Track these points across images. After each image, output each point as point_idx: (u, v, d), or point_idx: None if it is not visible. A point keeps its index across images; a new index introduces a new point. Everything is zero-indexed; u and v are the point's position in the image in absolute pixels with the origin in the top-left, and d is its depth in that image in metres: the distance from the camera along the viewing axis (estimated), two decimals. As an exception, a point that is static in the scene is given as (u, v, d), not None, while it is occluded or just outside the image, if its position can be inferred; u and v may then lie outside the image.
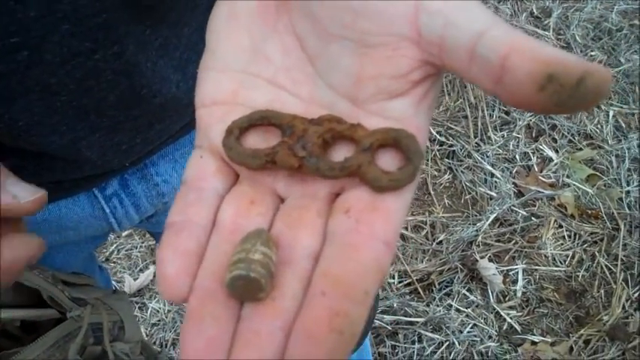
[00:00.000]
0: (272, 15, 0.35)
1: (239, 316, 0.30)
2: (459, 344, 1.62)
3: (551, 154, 1.94)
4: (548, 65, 0.26)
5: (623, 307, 1.64)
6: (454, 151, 1.97)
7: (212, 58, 0.36)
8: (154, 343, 1.70)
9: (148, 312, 1.72)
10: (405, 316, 1.65)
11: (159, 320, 1.77)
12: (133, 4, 0.45)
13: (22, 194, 0.35)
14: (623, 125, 1.98)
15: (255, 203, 0.33)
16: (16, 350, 0.60)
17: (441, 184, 1.92)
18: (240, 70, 0.35)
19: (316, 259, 0.30)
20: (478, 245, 1.77)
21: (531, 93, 0.26)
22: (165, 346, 1.72)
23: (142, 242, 1.91)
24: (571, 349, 1.61)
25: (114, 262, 1.86)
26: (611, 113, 2.01)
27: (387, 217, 0.30)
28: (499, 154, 1.96)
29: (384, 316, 1.63)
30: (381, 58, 0.31)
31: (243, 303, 0.30)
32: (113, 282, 1.52)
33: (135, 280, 1.82)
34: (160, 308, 1.79)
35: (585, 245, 1.77)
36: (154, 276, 1.85)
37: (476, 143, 1.98)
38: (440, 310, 1.67)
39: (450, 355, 1.61)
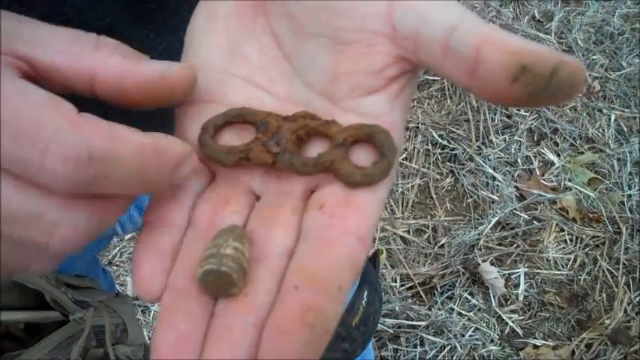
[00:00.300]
0: (249, 16, 0.35)
1: (212, 312, 0.30)
2: (461, 348, 1.62)
3: (552, 157, 1.94)
4: (521, 56, 0.26)
5: (625, 311, 1.64)
6: (456, 154, 1.97)
7: (191, 59, 0.36)
8: (157, 346, 1.70)
9: (151, 315, 1.73)
10: (407, 320, 1.65)
11: (161, 323, 1.77)
12: (137, 8, 0.45)
13: (170, 65, 0.32)
14: (625, 129, 1.98)
15: (231, 202, 0.33)
16: (19, 352, 0.61)
17: (443, 187, 1.92)
18: (219, 70, 0.35)
19: (290, 256, 0.30)
20: (480, 249, 1.77)
21: (504, 85, 0.27)
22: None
23: (145, 246, 1.91)
24: (573, 353, 1.61)
25: (117, 266, 1.86)
26: (612, 117, 2.01)
27: (360, 213, 0.30)
28: (501, 158, 1.96)
29: (386, 320, 1.63)
30: (355, 54, 0.32)
31: (217, 299, 0.30)
32: (116, 285, 1.53)
33: (137, 283, 1.82)
34: (162, 311, 1.78)
35: (587, 249, 1.77)
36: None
37: (477, 147, 1.98)
38: (442, 314, 1.67)
39: (452, 358, 1.61)
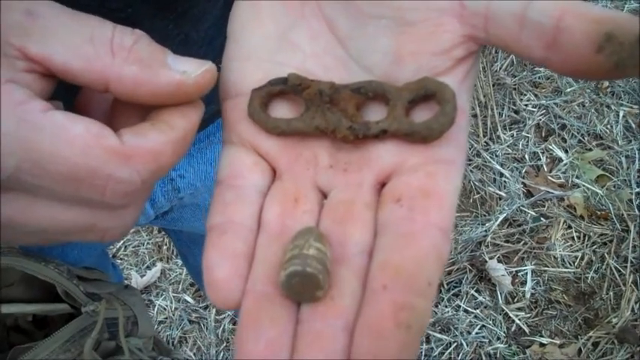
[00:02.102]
0: (297, 1, 0.34)
1: (297, 318, 0.28)
2: (467, 345, 1.62)
3: (560, 154, 1.93)
4: (605, 24, 0.25)
5: (633, 310, 1.63)
6: (463, 150, 1.95)
7: (236, 48, 0.35)
8: (160, 340, 1.69)
9: (155, 309, 1.72)
10: (413, 316, 1.63)
11: (165, 318, 1.76)
12: None
13: (190, 68, 0.31)
14: (633, 126, 1.97)
15: (300, 200, 0.32)
16: (29, 345, 0.60)
17: (450, 183, 1.91)
18: (266, 59, 0.34)
19: (370, 254, 0.29)
20: (487, 246, 1.76)
21: (589, 54, 0.26)
22: (172, 344, 1.71)
23: (150, 239, 1.91)
24: (580, 351, 1.60)
25: (121, 259, 1.86)
26: (621, 113, 1.99)
27: (440, 203, 0.29)
28: (508, 154, 1.95)
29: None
30: (421, 34, 0.30)
31: (299, 304, 0.29)
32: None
33: (142, 277, 1.82)
34: (166, 306, 1.78)
35: (595, 247, 1.76)
36: (161, 273, 1.85)
37: (485, 142, 1.97)
38: (448, 311, 1.66)
39: (458, 356, 1.61)
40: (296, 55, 0.34)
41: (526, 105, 2.04)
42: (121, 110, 0.32)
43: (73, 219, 0.29)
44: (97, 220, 0.30)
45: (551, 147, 1.95)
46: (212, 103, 0.61)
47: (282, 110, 0.34)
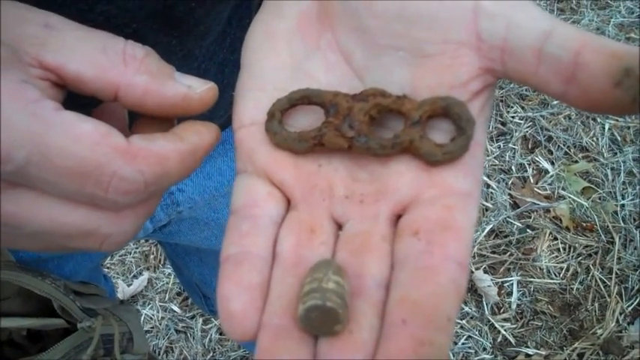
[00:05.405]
0: (314, 31, 0.34)
1: (314, 352, 0.28)
2: (454, 356, 1.62)
3: (547, 165, 1.94)
4: (624, 59, 0.25)
5: (617, 321, 1.65)
6: (450, 161, 1.96)
7: (250, 77, 0.35)
8: (146, 350, 1.68)
9: (142, 319, 1.70)
10: (401, 327, 1.64)
11: (152, 327, 1.75)
12: (163, 15, 0.44)
13: (195, 84, 0.32)
14: (619, 138, 1.99)
15: (316, 231, 0.31)
16: (23, 361, 0.59)
17: (437, 194, 1.91)
18: (281, 89, 0.34)
19: (387, 287, 0.29)
20: (473, 256, 1.77)
21: (607, 89, 0.26)
22: (158, 354, 1.70)
23: (136, 248, 1.89)
24: (565, 362, 1.61)
25: (107, 268, 1.84)
26: (606, 126, 2.01)
27: (458, 237, 0.28)
28: (495, 165, 1.96)
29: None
30: (438, 67, 0.30)
31: (317, 338, 0.28)
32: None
33: (129, 286, 1.80)
34: (153, 315, 1.77)
35: (580, 258, 1.77)
36: (148, 282, 1.83)
37: (472, 154, 1.97)
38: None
39: (445, 366, 1.60)
40: (311, 85, 0.33)
41: (513, 117, 2.05)
42: (141, 129, 0.33)
43: (75, 220, 0.30)
44: (99, 222, 0.30)
45: (537, 159, 1.97)
46: (213, 118, 0.61)
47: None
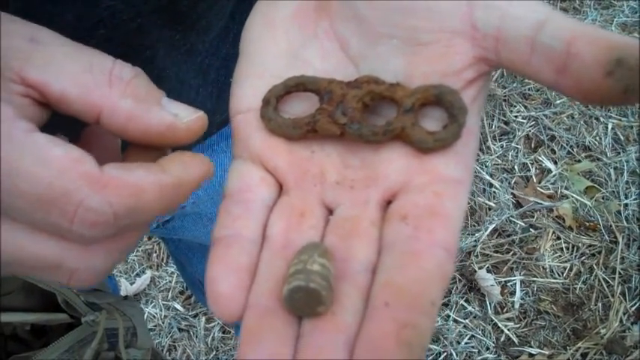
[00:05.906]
0: (311, 19, 0.35)
1: (298, 333, 0.28)
2: (457, 355, 1.62)
3: (549, 165, 1.94)
4: (616, 49, 0.26)
5: (621, 321, 1.64)
6: (453, 160, 1.96)
7: (248, 65, 0.36)
8: (149, 348, 1.68)
9: (145, 317, 1.70)
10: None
11: (155, 326, 1.75)
12: (168, 9, 0.44)
13: (182, 113, 0.30)
14: (622, 138, 1.98)
15: (306, 215, 0.32)
16: (27, 355, 0.59)
17: (440, 193, 1.91)
18: (278, 76, 0.34)
19: (373, 271, 0.29)
20: (476, 256, 1.77)
21: (598, 79, 0.26)
22: (162, 352, 1.70)
23: (139, 246, 1.89)
24: (568, 361, 1.61)
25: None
26: (609, 126, 2.01)
27: (446, 223, 0.29)
28: (498, 165, 1.96)
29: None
30: (432, 55, 0.31)
31: (301, 319, 0.29)
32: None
33: (131, 284, 1.81)
34: (156, 313, 1.77)
35: (583, 258, 1.77)
36: (151, 281, 1.84)
37: (475, 153, 1.97)
38: (438, 321, 1.66)
39: (448, 365, 1.61)
40: (307, 72, 0.34)
41: (516, 116, 2.05)
42: (131, 157, 0.32)
43: (40, 251, 0.28)
44: (65, 255, 0.28)
45: (540, 158, 1.96)
46: (217, 114, 0.61)
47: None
